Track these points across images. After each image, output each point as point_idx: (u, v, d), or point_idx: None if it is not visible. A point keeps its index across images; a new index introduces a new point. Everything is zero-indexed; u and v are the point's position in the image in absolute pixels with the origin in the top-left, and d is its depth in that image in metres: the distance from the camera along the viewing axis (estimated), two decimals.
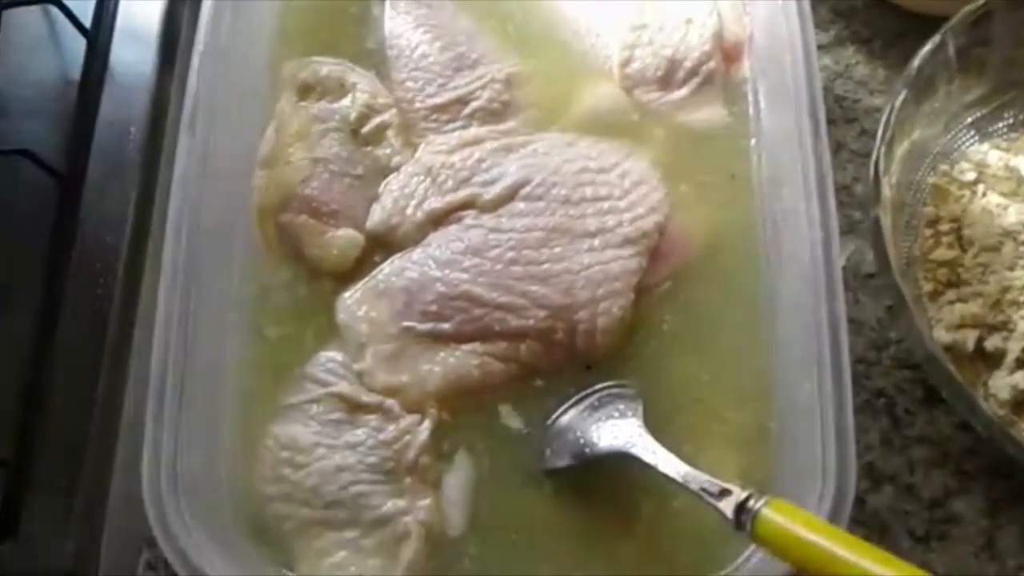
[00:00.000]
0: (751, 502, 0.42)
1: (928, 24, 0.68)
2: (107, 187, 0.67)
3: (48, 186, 0.65)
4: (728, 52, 0.60)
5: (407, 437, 0.51)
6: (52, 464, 0.57)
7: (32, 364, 0.59)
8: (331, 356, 0.54)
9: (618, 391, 0.52)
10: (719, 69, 0.59)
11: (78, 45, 0.71)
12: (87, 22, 0.72)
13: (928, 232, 0.60)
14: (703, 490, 0.44)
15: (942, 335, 0.57)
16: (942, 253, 0.59)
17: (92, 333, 0.61)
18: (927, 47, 0.57)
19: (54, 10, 0.70)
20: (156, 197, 0.67)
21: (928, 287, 0.59)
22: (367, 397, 0.53)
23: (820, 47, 0.71)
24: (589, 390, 0.52)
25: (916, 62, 0.57)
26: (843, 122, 0.69)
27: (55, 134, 0.68)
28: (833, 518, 0.44)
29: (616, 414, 0.50)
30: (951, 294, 0.59)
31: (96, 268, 0.64)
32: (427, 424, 0.52)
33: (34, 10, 0.72)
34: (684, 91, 0.59)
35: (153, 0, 0.73)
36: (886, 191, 0.55)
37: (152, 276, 0.64)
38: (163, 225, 0.65)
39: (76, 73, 0.70)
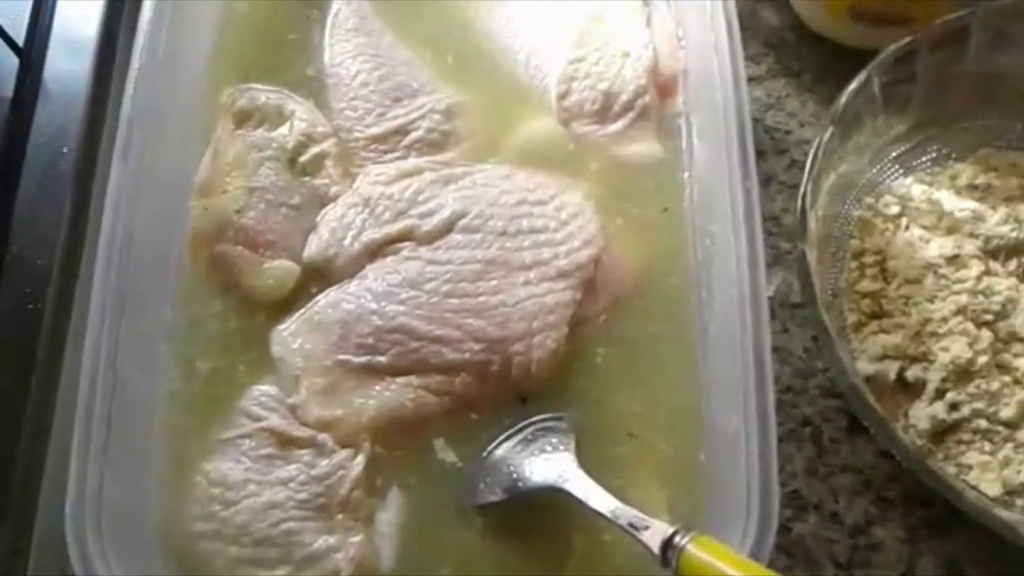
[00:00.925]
0: (677, 538, 0.43)
1: (855, 58, 0.70)
2: (39, 207, 0.66)
3: None
4: (663, 86, 0.61)
5: (340, 472, 0.51)
6: None
7: None
8: (264, 390, 0.54)
9: (552, 424, 0.52)
10: (654, 103, 0.60)
11: (11, 62, 0.70)
12: (20, 39, 0.70)
13: (854, 264, 0.62)
14: (631, 525, 0.45)
15: (865, 366, 0.58)
16: (867, 285, 0.61)
17: (20, 359, 0.60)
18: (853, 85, 0.59)
19: None
20: (90, 218, 0.66)
21: (853, 318, 0.61)
22: (299, 432, 0.52)
23: (752, 79, 0.73)
24: (523, 423, 0.52)
25: (842, 99, 0.58)
26: (773, 153, 0.70)
27: None
28: (757, 548, 0.45)
29: (549, 448, 0.51)
30: (875, 325, 0.60)
31: (26, 292, 0.63)
32: (360, 459, 0.52)
33: None
34: (620, 124, 0.60)
35: (88, 16, 0.72)
36: (813, 225, 0.57)
37: (83, 301, 0.63)
38: (95, 249, 0.64)
39: (8, 90, 0.69)
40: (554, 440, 0.51)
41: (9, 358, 0.60)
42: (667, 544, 0.43)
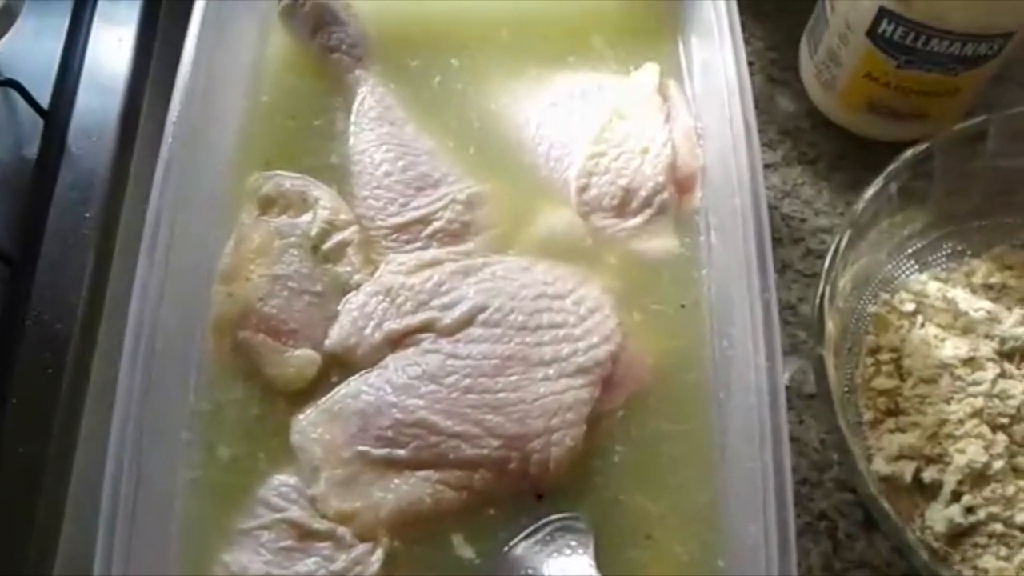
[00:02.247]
0: None
1: (870, 146, 0.71)
2: (60, 271, 0.66)
3: None
4: (681, 183, 0.62)
5: (358, 568, 0.51)
6: None
7: None
8: (284, 480, 0.54)
9: (569, 523, 0.53)
10: (672, 200, 0.61)
11: (35, 123, 0.71)
12: (46, 101, 0.72)
13: (869, 360, 0.62)
14: None
15: (881, 466, 0.59)
16: (882, 382, 0.61)
17: (37, 426, 0.61)
18: (871, 191, 0.59)
19: (11, 91, 0.70)
20: (109, 285, 0.67)
21: (869, 415, 0.61)
22: (319, 524, 0.52)
23: (768, 166, 0.74)
24: (540, 522, 0.53)
25: (860, 204, 0.59)
26: (789, 242, 0.71)
27: (8, 215, 0.68)
28: None
29: (567, 550, 0.51)
30: (891, 423, 0.61)
31: (45, 357, 0.63)
32: (379, 554, 0.52)
33: None
34: (638, 220, 0.61)
35: (114, 80, 0.74)
36: (830, 325, 0.57)
37: (100, 369, 0.64)
38: (114, 318, 0.65)
39: (32, 152, 0.70)
40: (572, 542, 0.51)
41: (27, 421, 0.61)
42: None
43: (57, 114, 0.72)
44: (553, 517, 0.53)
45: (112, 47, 0.76)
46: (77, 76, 0.75)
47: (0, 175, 0.70)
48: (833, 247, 0.57)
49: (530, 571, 0.51)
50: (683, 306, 0.59)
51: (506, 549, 0.52)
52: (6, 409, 0.61)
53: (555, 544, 0.52)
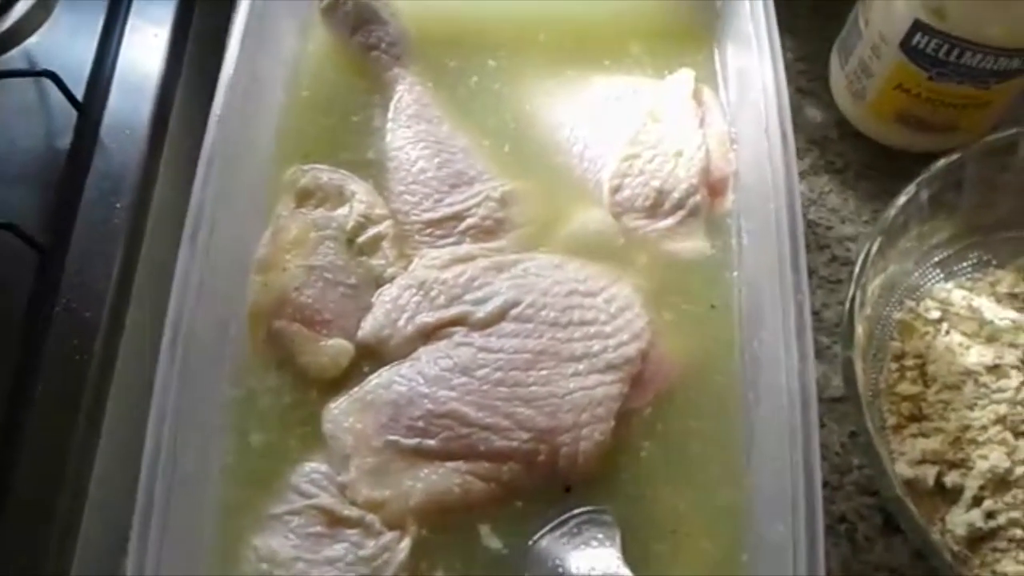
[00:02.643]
0: None
1: (897, 156, 0.72)
2: (89, 260, 0.67)
3: (30, 257, 0.66)
4: (714, 186, 0.63)
5: (386, 555, 0.52)
6: (15, 554, 0.57)
7: (1, 439, 0.59)
8: (315, 467, 0.55)
9: (596, 517, 0.53)
10: (704, 202, 0.62)
11: (70, 114, 0.72)
12: (80, 92, 0.73)
13: (894, 366, 0.63)
14: None
15: (904, 469, 0.59)
16: (906, 388, 0.62)
17: (64, 411, 0.61)
18: (903, 198, 0.60)
19: (47, 81, 0.71)
20: (137, 273, 0.68)
21: (892, 420, 0.62)
22: (348, 511, 0.53)
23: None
24: (568, 515, 0.53)
25: (892, 211, 0.60)
26: (815, 248, 0.72)
27: (40, 204, 0.69)
28: None
29: (595, 543, 0.51)
30: (914, 428, 0.61)
31: (73, 345, 0.64)
32: (407, 542, 0.52)
33: (27, 80, 0.72)
34: (670, 221, 0.62)
35: (147, 73, 0.75)
36: (858, 329, 0.58)
37: (127, 357, 0.65)
38: (144, 301, 0.66)
39: (66, 143, 0.71)
40: (599, 535, 0.52)
41: (55, 407, 0.61)
42: None
43: (91, 106, 0.73)
44: (580, 510, 0.53)
45: (147, 42, 0.77)
46: (112, 70, 0.76)
47: (33, 165, 0.71)
48: (864, 252, 0.58)
49: (557, 562, 0.51)
50: (713, 307, 0.59)
51: (532, 541, 0.53)
52: (35, 394, 0.62)
53: (582, 536, 0.52)
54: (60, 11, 0.78)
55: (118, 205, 0.69)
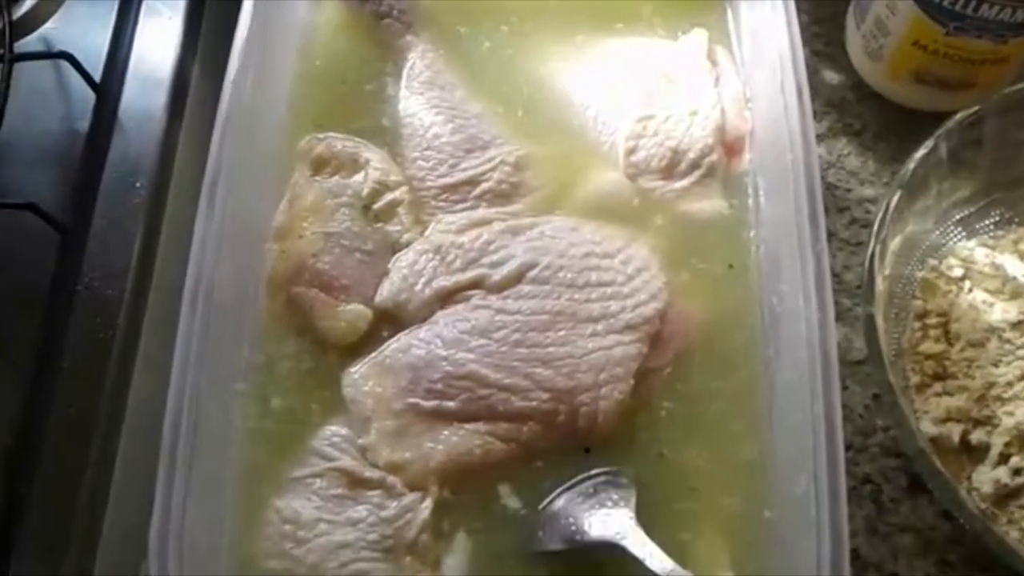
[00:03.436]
0: None
1: (916, 117, 0.71)
2: (110, 239, 0.67)
3: (51, 237, 0.66)
4: (730, 145, 0.62)
5: (408, 515, 0.52)
6: (42, 530, 0.57)
7: (27, 416, 0.60)
8: (336, 430, 0.55)
9: (612, 479, 0.53)
10: (720, 162, 0.62)
11: (87, 97, 0.72)
12: (98, 75, 0.73)
13: (917, 325, 0.62)
14: None
15: (928, 427, 0.59)
16: (929, 346, 0.61)
17: (88, 389, 0.62)
18: (922, 151, 0.59)
19: (65, 64, 0.72)
20: (159, 251, 0.68)
21: (915, 379, 0.61)
22: (370, 473, 0.53)
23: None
24: (583, 475, 0.53)
25: (911, 164, 0.59)
26: (835, 211, 0.71)
27: (61, 185, 0.69)
28: None
29: (609, 503, 0.51)
30: (938, 387, 0.61)
31: (96, 322, 0.65)
32: (428, 502, 0.52)
33: (45, 64, 0.73)
34: (686, 181, 0.61)
35: (164, 54, 0.75)
36: (879, 286, 0.57)
37: (151, 333, 0.65)
38: (165, 281, 0.66)
39: (84, 125, 0.72)
40: (615, 495, 0.52)
41: (79, 384, 0.62)
42: None
43: (109, 88, 0.73)
44: (596, 471, 0.53)
45: (162, 24, 0.77)
46: (128, 52, 0.76)
47: (53, 147, 0.71)
48: (883, 207, 0.58)
49: (571, 521, 0.51)
50: (731, 266, 0.59)
51: (547, 501, 0.53)
52: (59, 373, 0.62)
53: (597, 497, 0.52)
54: None
55: (137, 184, 0.70)
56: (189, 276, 0.54)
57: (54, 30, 0.76)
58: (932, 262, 0.64)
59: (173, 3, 0.78)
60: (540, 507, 0.53)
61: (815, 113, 0.75)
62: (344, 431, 0.55)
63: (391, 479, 0.53)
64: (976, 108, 0.61)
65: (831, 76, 0.77)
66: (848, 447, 0.62)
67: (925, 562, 0.59)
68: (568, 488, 0.53)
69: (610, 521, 0.50)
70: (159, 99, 0.73)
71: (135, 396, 0.63)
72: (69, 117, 0.73)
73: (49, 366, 0.62)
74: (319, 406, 0.56)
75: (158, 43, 0.76)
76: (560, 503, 0.53)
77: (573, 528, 0.51)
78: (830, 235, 0.70)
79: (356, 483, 0.53)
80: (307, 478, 0.54)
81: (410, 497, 0.53)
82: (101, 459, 0.60)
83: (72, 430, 0.60)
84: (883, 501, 0.61)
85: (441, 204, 0.62)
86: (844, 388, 0.64)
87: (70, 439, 0.60)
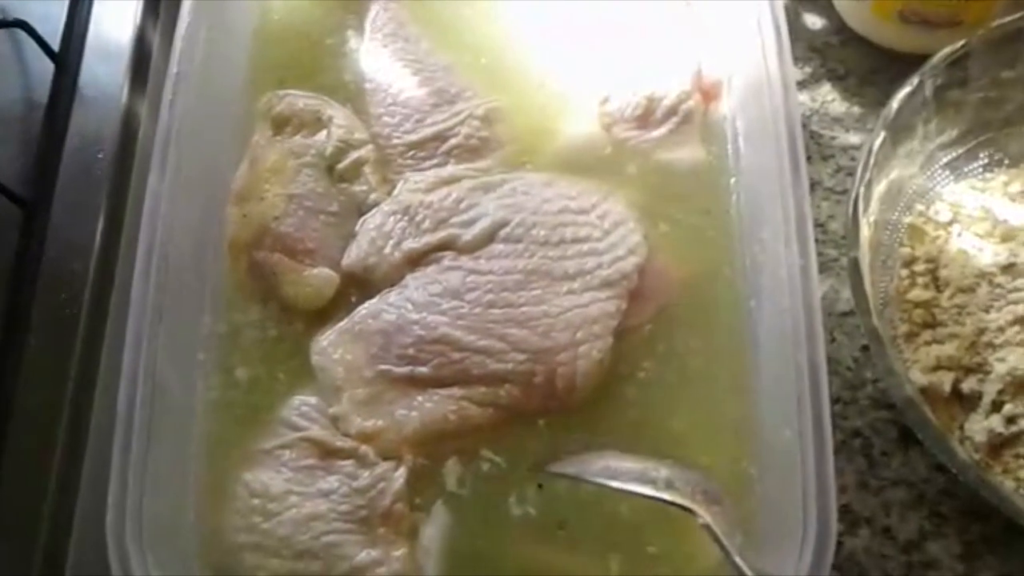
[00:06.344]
0: None
1: (901, 61, 0.69)
2: (74, 212, 0.66)
3: (12, 213, 0.64)
4: (707, 91, 0.60)
5: (381, 484, 0.50)
6: (12, 509, 0.56)
7: None
8: (305, 399, 0.53)
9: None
10: (698, 108, 0.59)
11: (46, 67, 0.70)
12: (55, 44, 0.70)
13: (904, 272, 0.60)
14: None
15: (918, 377, 0.57)
16: (918, 294, 0.59)
17: (56, 366, 0.60)
18: (905, 89, 0.57)
19: (21, 33, 0.69)
20: (125, 224, 0.66)
21: (904, 328, 0.59)
22: (341, 442, 0.51)
23: (796, 84, 0.71)
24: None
25: (894, 104, 0.57)
26: (819, 159, 0.69)
27: (21, 158, 0.67)
28: (815, 566, 0.44)
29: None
30: (927, 335, 0.59)
31: (61, 298, 0.63)
32: (402, 471, 0.51)
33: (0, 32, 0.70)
34: (663, 130, 0.59)
35: (123, 21, 0.72)
36: (864, 231, 0.55)
37: (119, 307, 0.63)
38: (131, 253, 0.64)
39: (43, 96, 0.69)
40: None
41: (46, 364, 0.60)
42: None
43: (68, 57, 0.71)
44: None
45: None
46: (87, 18, 0.74)
47: (12, 119, 0.69)
48: (866, 149, 0.55)
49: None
50: (710, 213, 0.57)
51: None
52: (26, 349, 0.60)
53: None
54: None
55: (100, 155, 0.68)
56: (141, 242, 0.52)
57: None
58: (919, 207, 0.62)
59: None
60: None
61: (797, 59, 0.73)
62: (313, 400, 0.53)
63: (363, 448, 0.51)
64: (961, 44, 0.58)
65: (813, 20, 0.74)
66: (837, 400, 0.61)
67: (918, 515, 0.57)
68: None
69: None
70: (120, 67, 0.71)
71: (104, 372, 0.61)
72: (27, 88, 0.71)
73: (15, 344, 0.60)
74: (286, 375, 0.54)
75: (118, 9, 0.73)
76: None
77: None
78: (815, 184, 0.68)
79: (327, 453, 0.51)
80: (276, 449, 0.52)
81: (383, 466, 0.51)
82: (71, 438, 0.58)
83: (40, 409, 0.59)
84: (874, 455, 0.59)
85: (408, 162, 0.59)
86: (832, 340, 0.63)
87: (38, 418, 0.58)
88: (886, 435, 0.60)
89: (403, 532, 0.49)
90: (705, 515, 0.46)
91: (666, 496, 0.47)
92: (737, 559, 0.45)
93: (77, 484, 0.57)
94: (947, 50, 0.58)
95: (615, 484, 0.48)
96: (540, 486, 0.50)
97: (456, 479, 0.51)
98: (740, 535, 0.47)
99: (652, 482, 0.47)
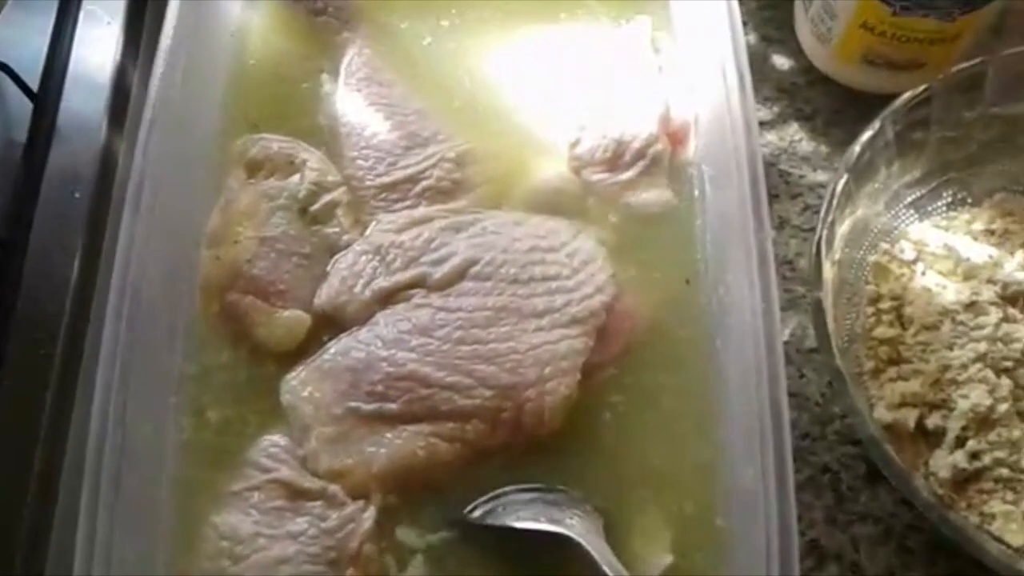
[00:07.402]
0: None
1: (867, 100, 0.70)
2: (50, 252, 0.66)
3: None
4: (674, 135, 0.61)
5: (350, 526, 0.50)
6: None
7: None
8: (274, 440, 0.53)
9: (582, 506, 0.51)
10: (665, 151, 0.60)
11: (24, 106, 0.70)
12: (35, 84, 0.71)
13: (870, 310, 0.61)
14: None
15: (883, 414, 0.57)
16: (883, 331, 0.60)
17: (30, 405, 0.60)
18: (867, 133, 0.58)
19: (1, 75, 0.70)
20: (101, 263, 0.66)
21: (870, 364, 0.60)
22: (310, 483, 0.52)
23: (764, 123, 0.73)
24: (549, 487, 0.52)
25: (856, 147, 0.58)
26: (787, 197, 0.70)
27: None
28: None
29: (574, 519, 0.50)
30: (892, 371, 0.59)
31: (36, 338, 0.63)
32: (371, 512, 0.51)
33: None
34: (631, 173, 0.60)
35: (102, 62, 0.73)
36: (828, 272, 0.56)
37: (93, 347, 0.63)
38: (107, 294, 0.64)
39: (22, 135, 0.70)
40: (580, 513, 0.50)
41: (20, 404, 0.60)
42: None
43: (47, 97, 0.71)
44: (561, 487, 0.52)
45: (101, 31, 0.75)
46: (66, 59, 0.74)
47: None
48: (830, 190, 0.56)
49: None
50: (677, 257, 0.58)
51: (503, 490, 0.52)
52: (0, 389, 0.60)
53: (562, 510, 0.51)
54: (11, 4, 0.76)
55: (77, 195, 0.68)
56: (113, 284, 0.52)
57: None
58: (884, 246, 0.63)
59: (112, 8, 0.76)
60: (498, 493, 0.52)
61: (766, 99, 0.74)
62: (283, 441, 0.53)
63: (332, 488, 0.52)
64: (923, 88, 0.60)
65: (781, 61, 0.76)
66: (805, 436, 0.61)
67: (886, 550, 0.58)
68: (530, 490, 0.52)
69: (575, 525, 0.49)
70: (98, 107, 0.71)
71: (79, 412, 0.61)
72: (5, 127, 0.71)
73: None
74: (257, 417, 0.54)
75: (97, 49, 0.74)
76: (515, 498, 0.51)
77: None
78: (783, 222, 0.69)
79: (296, 494, 0.52)
80: (244, 491, 0.52)
81: (352, 507, 0.51)
82: (44, 476, 0.58)
83: (13, 449, 0.58)
84: (842, 490, 0.60)
85: (381, 204, 0.60)
86: (800, 376, 0.63)
87: (11, 458, 0.58)
88: (854, 470, 0.60)
89: (372, 573, 0.50)
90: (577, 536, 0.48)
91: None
92: (605, 568, 0.46)
93: (50, 523, 0.57)
94: (908, 95, 0.59)
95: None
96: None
97: (425, 516, 0.52)
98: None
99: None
